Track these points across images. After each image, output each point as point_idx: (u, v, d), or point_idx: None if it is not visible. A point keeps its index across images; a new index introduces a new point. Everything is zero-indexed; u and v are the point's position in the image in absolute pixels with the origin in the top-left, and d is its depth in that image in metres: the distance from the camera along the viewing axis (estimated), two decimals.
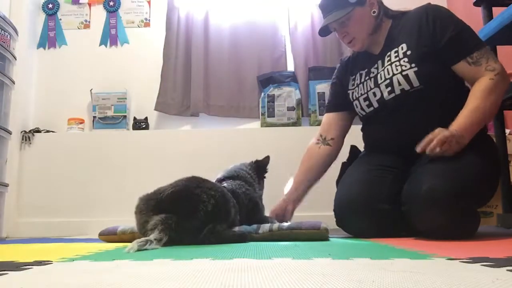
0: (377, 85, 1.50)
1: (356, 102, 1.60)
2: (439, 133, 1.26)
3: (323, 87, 2.67)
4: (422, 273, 0.61)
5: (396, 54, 1.47)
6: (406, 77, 1.42)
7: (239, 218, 1.42)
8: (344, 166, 1.68)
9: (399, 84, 1.44)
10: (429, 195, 1.23)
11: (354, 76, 1.63)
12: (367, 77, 1.55)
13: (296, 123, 2.66)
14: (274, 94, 2.68)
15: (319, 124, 2.60)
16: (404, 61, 1.44)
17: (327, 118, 1.75)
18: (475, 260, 0.73)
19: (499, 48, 1.80)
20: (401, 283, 0.52)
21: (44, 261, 0.84)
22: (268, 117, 2.67)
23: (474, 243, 1.15)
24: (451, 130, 1.27)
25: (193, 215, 1.22)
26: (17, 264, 0.82)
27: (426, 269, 0.65)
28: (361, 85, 1.57)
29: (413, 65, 1.42)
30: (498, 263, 0.69)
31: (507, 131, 2.06)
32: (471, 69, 1.37)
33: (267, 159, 1.73)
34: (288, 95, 2.67)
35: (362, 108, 1.58)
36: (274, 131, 2.61)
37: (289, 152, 2.53)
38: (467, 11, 2.55)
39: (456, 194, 1.22)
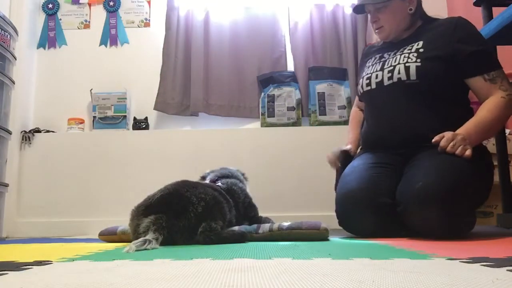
0: (382, 69, 1.57)
1: (360, 80, 1.68)
2: (448, 133, 1.35)
3: (323, 87, 2.67)
4: (422, 273, 0.61)
5: (411, 47, 1.53)
6: (406, 69, 1.48)
7: (235, 213, 1.42)
8: (339, 171, 1.70)
9: (399, 73, 1.50)
10: (422, 192, 1.25)
11: (369, 59, 1.70)
12: (379, 60, 1.62)
13: (296, 123, 2.66)
14: (274, 94, 2.68)
15: (319, 124, 2.63)
16: (413, 55, 1.50)
17: (357, 103, 1.90)
18: (475, 260, 0.73)
19: (499, 48, 1.80)
20: (401, 283, 0.52)
21: (44, 261, 0.84)
22: (268, 117, 2.67)
23: (474, 243, 1.15)
24: (457, 132, 1.34)
25: (183, 215, 1.22)
26: (17, 264, 0.82)
27: (426, 269, 0.65)
28: (371, 66, 1.65)
29: (418, 60, 1.47)
30: (498, 263, 0.69)
31: (507, 131, 2.06)
32: (486, 85, 1.43)
33: None
34: (288, 95, 2.67)
35: (361, 86, 1.65)
36: (274, 131, 2.61)
37: (289, 152, 2.54)
38: (467, 11, 2.54)
39: (448, 192, 1.23)
